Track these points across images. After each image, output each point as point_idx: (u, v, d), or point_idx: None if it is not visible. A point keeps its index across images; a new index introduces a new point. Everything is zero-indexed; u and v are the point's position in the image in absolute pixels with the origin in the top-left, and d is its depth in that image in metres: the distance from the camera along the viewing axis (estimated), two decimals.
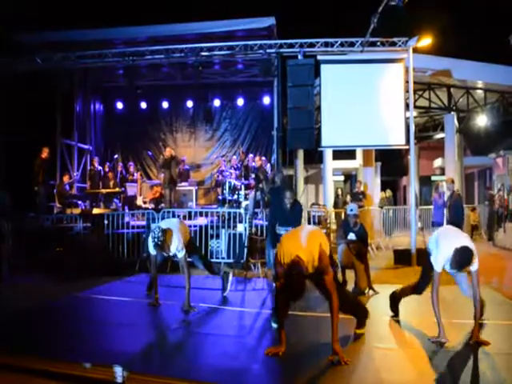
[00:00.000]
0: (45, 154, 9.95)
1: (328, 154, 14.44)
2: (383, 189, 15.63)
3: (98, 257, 7.85)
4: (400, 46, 8.89)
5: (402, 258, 8.32)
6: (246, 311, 5.17)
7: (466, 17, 18.61)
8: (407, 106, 8.96)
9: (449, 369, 3.30)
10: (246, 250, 7.53)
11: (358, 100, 8.91)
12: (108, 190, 11.34)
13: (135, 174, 12.43)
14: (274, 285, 4.09)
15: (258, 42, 9.39)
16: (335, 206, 12.25)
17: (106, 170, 11.99)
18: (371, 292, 5.87)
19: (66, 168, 12.66)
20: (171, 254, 5.08)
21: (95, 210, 9.75)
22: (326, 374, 3.25)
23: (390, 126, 8.88)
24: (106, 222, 8.45)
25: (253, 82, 13.36)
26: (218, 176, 11.96)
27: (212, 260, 8.10)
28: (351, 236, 6.07)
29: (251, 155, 12.27)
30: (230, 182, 10.62)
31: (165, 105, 14.09)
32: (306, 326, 4.44)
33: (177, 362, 3.52)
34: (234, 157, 12.61)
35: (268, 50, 9.40)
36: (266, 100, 13.42)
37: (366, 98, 8.89)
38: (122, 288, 6.46)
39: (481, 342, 3.71)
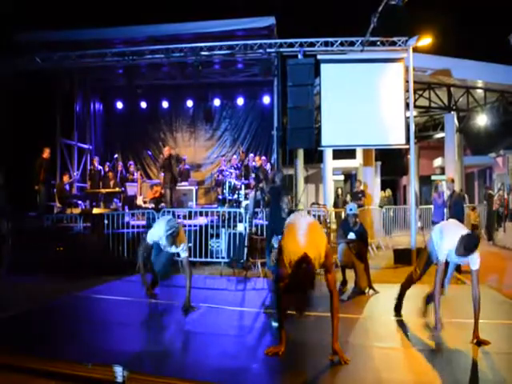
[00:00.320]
0: (46, 153, 9.98)
1: (328, 154, 14.44)
2: (383, 188, 15.63)
3: (98, 256, 7.85)
4: (400, 45, 8.89)
5: (401, 257, 8.32)
6: (245, 311, 5.17)
7: (465, 16, 18.62)
8: (407, 106, 8.95)
9: (449, 368, 3.30)
10: (246, 249, 7.54)
11: (357, 99, 8.90)
12: (108, 190, 11.34)
13: (135, 174, 12.42)
14: (274, 285, 3.98)
15: (258, 42, 9.38)
16: (335, 205, 12.25)
17: (106, 169, 11.99)
18: (371, 291, 5.87)
19: (66, 168, 12.66)
20: (175, 250, 5.08)
21: (95, 210, 9.75)
22: (326, 373, 3.25)
23: (390, 126, 8.88)
24: (106, 221, 8.45)
25: (253, 82, 13.35)
26: (218, 176, 11.95)
27: (212, 259, 8.13)
28: (351, 235, 6.07)
29: (251, 155, 12.27)
30: (230, 182, 10.62)
31: (165, 104, 14.10)
32: (305, 326, 4.44)
33: (177, 362, 3.52)
34: (234, 156, 12.60)
35: (268, 50, 9.40)
36: (266, 99, 13.41)
37: (366, 98, 8.89)
38: (121, 288, 6.47)
39: (481, 341, 3.71)
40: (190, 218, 8.66)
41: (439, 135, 17.17)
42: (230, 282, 6.89)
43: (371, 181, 14.79)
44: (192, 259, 7.86)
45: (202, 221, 8.60)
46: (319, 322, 4.36)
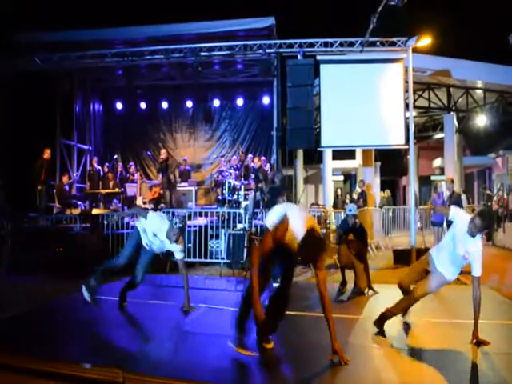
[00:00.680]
0: (47, 154, 10.03)
1: (327, 154, 14.45)
2: (383, 189, 15.64)
3: (98, 257, 7.83)
4: (399, 45, 8.90)
5: (401, 257, 8.32)
6: None
7: (465, 16, 18.64)
8: (407, 106, 8.96)
9: (449, 368, 3.30)
10: (245, 250, 7.53)
11: (357, 100, 8.91)
12: (108, 191, 11.34)
13: (135, 175, 12.42)
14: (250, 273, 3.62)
15: (258, 42, 9.40)
16: (335, 206, 12.26)
17: (106, 170, 11.99)
18: (371, 292, 5.88)
19: (66, 168, 12.66)
20: (171, 248, 4.99)
21: (95, 211, 9.75)
22: (326, 373, 3.25)
23: (390, 126, 8.89)
24: (105, 222, 8.45)
25: (252, 82, 13.36)
26: (217, 176, 11.95)
27: (212, 260, 8.13)
28: (351, 236, 6.08)
29: (251, 155, 12.27)
30: (229, 182, 10.61)
31: (164, 105, 14.10)
32: (305, 326, 4.44)
33: (176, 362, 3.52)
34: (234, 157, 12.60)
35: (267, 50, 9.41)
36: (266, 100, 13.41)
37: (366, 98, 8.89)
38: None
39: (480, 341, 3.72)
40: (189, 218, 8.66)
41: (439, 136, 17.19)
42: (230, 283, 6.89)
43: (371, 181, 14.82)
44: (192, 260, 7.88)
45: (201, 221, 8.60)
46: (319, 322, 4.35)
